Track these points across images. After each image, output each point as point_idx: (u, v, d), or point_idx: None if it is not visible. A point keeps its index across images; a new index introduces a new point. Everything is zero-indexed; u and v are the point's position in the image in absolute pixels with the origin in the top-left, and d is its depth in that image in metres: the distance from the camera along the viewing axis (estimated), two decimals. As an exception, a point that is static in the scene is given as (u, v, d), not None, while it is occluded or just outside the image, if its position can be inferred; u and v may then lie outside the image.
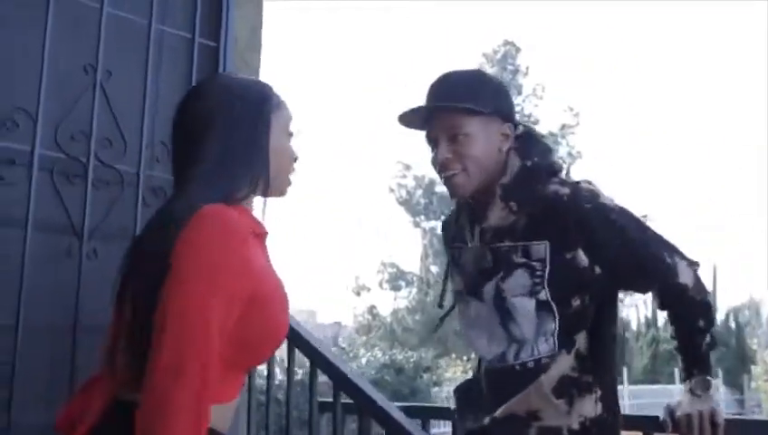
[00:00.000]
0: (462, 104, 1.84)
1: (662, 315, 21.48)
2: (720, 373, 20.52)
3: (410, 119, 1.93)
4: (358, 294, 28.60)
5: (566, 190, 1.85)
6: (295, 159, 1.62)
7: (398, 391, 12.11)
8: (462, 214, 2.00)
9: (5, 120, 2.55)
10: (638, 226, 1.89)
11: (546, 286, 1.81)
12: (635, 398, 17.12)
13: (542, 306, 1.82)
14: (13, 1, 2.65)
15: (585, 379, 1.82)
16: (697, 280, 1.89)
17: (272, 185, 1.55)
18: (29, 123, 2.56)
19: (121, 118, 2.73)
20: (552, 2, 51.29)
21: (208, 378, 1.28)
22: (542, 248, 1.82)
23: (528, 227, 1.85)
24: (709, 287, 1.99)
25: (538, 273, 1.82)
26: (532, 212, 1.85)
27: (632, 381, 19.13)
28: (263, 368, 4.10)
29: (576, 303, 1.83)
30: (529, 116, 30.85)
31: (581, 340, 1.85)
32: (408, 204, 28.56)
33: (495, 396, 1.86)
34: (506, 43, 31.15)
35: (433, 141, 1.91)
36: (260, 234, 1.51)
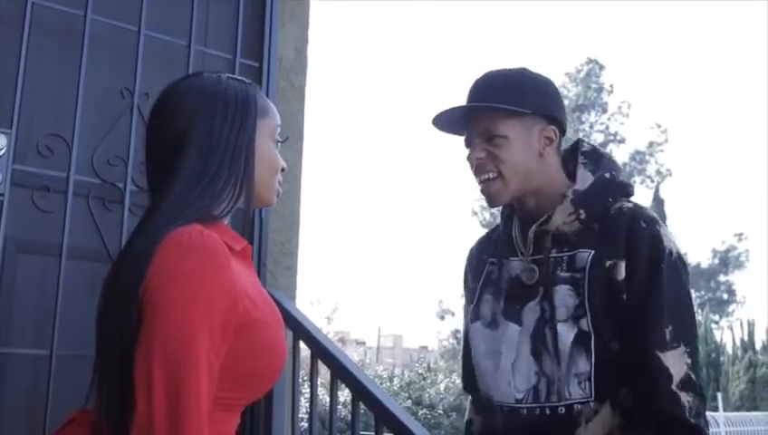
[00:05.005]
0: (498, 104, 1.69)
1: (760, 338, 20.67)
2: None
3: (447, 123, 1.77)
4: (442, 318, 28.40)
5: (630, 205, 1.69)
6: (282, 169, 1.48)
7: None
8: (513, 224, 1.83)
9: (40, 146, 2.53)
10: (677, 284, 1.62)
11: (587, 307, 1.59)
12: (731, 425, 16.32)
13: (580, 339, 1.59)
14: (47, 27, 2.63)
15: None
16: (690, 384, 1.55)
17: (256, 195, 1.42)
18: (64, 149, 2.53)
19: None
20: (633, 16, 50.23)
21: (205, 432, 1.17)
22: (585, 256, 1.64)
23: (582, 237, 1.68)
24: None
25: (580, 288, 1.61)
26: (595, 225, 1.68)
27: (728, 408, 18.28)
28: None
29: (615, 346, 1.59)
30: (615, 134, 30.27)
31: (626, 397, 1.59)
32: (491, 227, 28.24)
33: None
34: (590, 60, 30.65)
35: (468, 143, 1.76)
36: (241, 250, 1.38)
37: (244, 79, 1.46)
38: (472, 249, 1.97)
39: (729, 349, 21.62)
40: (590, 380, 1.57)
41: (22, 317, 2.54)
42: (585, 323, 1.59)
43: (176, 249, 1.22)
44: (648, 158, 30.09)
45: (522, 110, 1.70)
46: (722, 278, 29.99)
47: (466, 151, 1.78)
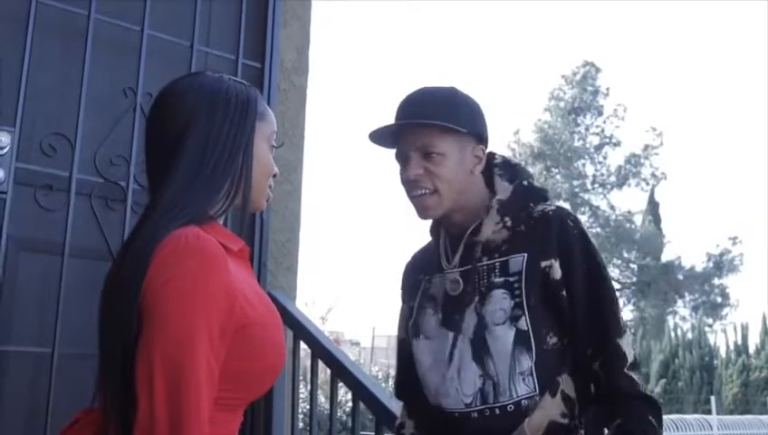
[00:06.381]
0: (440, 122, 1.73)
1: (753, 341, 20.74)
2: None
3: (381, 135, 1.80)
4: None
5: (552, 207, 1.78)
6: (274, 175, 1.49)
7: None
8: (440, 240, 1.87)
9: (43, 145, 2.54)
10: (608, 275, 1.76)
11: (525, 307, 1.67)
12: (724, 428, 16.37)
13: (520, 339, 1.66)
14: (51, 27, 2.64)
15: (577, 426, 1.67)
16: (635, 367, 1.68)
17: (250, 197, 1.41)
18: (67, 148, 2.54)
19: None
20: (630, 19, 50.42)
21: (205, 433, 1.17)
22: (519, 260, 1.71)
23: (511, 243, 1.75)
24: None
25: (516, 290, 1.68)
26: (521, 229, 1.76)
27: (721, 411, 18.34)
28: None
29: (552, 340, 1.69)
30: (610, 137, 30.33)
31: (566, 382, 1.69)
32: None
33: None
34: (586, 63, 30.72)
35: (403, 158, 1.79)
36: (238, 251, 1.38)
37: (245, 82, 1.47)
38: (407, 266, 2.01)
39: (723, 353, 21.70)
40: (532, 375, 1.66)
41: (23, 315, 2.55)
42: (524, 323, 1.67)
43: (174, 253, 1.22)
44: (643, 161, 30.14)
45: (459, 128, 1.74)
46: (716, 282, 30.01)
47: (400, 167, 1.80)
